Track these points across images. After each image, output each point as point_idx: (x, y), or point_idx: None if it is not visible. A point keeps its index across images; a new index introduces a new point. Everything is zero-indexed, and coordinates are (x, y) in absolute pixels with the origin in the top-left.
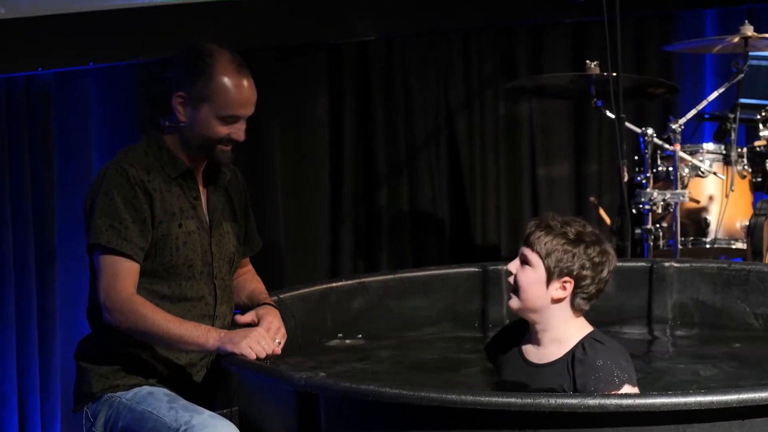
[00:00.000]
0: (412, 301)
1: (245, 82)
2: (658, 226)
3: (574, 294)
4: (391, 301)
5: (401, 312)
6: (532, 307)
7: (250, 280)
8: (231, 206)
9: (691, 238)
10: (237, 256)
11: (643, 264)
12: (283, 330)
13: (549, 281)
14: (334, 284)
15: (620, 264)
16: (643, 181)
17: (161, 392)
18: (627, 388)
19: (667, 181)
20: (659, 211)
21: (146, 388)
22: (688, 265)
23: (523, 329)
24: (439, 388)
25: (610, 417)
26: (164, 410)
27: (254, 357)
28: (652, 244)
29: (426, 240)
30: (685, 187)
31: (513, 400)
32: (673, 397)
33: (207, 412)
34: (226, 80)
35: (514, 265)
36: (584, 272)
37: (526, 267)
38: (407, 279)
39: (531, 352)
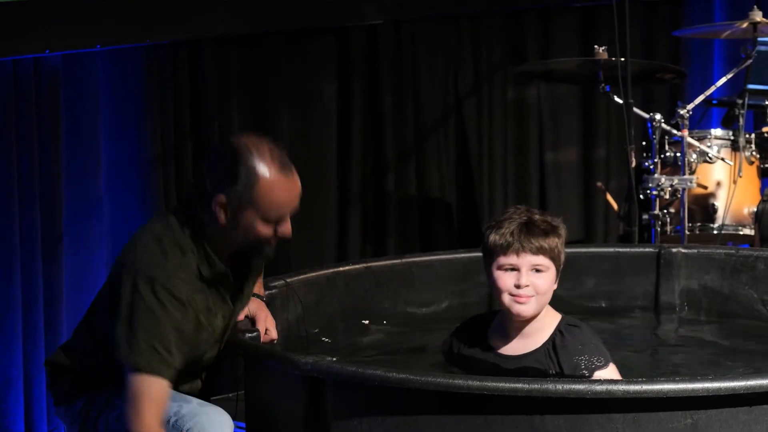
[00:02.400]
0: (420, 285)
1: (290, 180)
2: (665, 211)
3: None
4: (398, 286)
5: (409, 296)
6: (543, 306)
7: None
8: (253, 278)
9: (699, 224)
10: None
11: (651, 250)
12: (273, 321)
13: (556, 279)
14: (341, 269)
15: (628, 250)
16: (651, 167)
17: None
18: (611, 367)
19: (675, 167)
20: (667, 196)
21: None
22: (695, 251)
23: (486, 324)
24: (445, 373)
25: (618, 403)
26: None
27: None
28: (659, 229)
29: (434, 225)
30: (692, 172)
31: (520, 385)
32: (681, 383)
33: (195, 401)
34: (270, 182)
35: (524, 277)
36: (563, 259)
37: (541, 273)
38: (415, 263)
39: (503, 345)
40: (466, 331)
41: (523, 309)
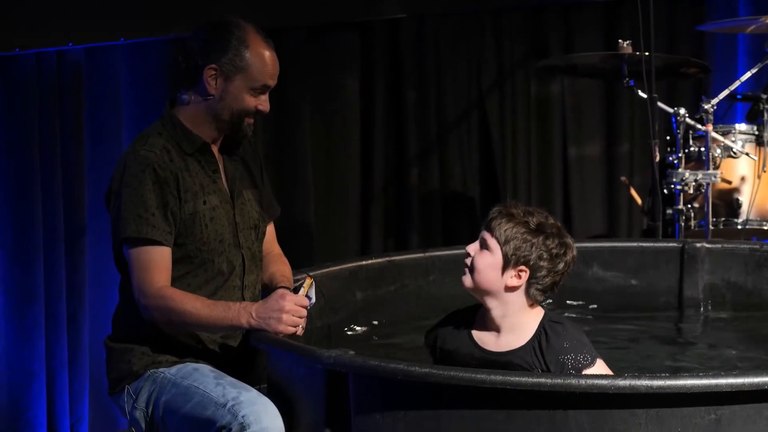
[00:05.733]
0: (442, 279)
1: (272, 53)
2: (689, 206)
3: (529, 284)
4: (421, 280)
5: (431, 291)
6: (485, 289)
7: (273, 262)
8: (249, 173)
9: (723, 218)
10: (261, 223)
11: (675, 245)
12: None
13: (505, 268)
14: (363, 262)
15: (651, 244)
16: (675, 162)
17: (206, 368)
18: (599, 363)
19: (699, 162)
20: (691, 191)
21: (191, 364)
22: (719, 246)
23: (470, 318)
24: (468, 367)
25: (640, 398)
26: (211, 386)
27: (290, 332)
28: (683, 224)
29: (456, 220)
30: (717, 167)
31: (543, 380)
32: (704, 378)
33: (254, 390)
34: (257, 52)
35: (473, 247)
36: (541, 263)
37: (485, 251)
38: (438, 258)
39: (487, 340)
40: (449, 325)
41: (462, 278)
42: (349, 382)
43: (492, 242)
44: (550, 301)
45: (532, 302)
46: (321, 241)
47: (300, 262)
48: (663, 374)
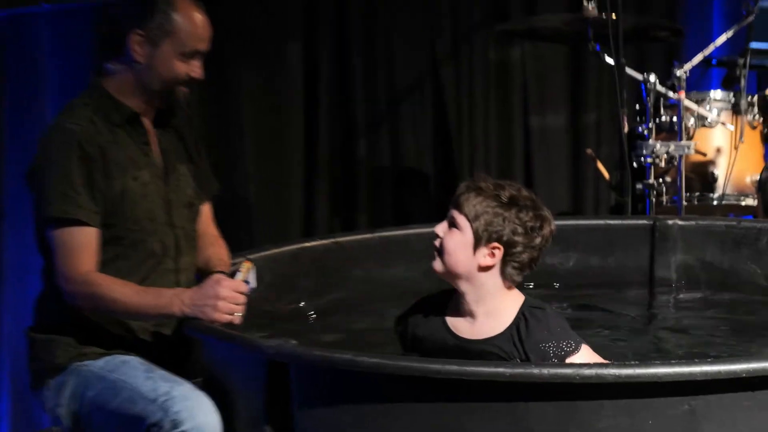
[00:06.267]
0: (394, 262)
1: (202, 16)
2: (660, 180)
3: (504, 262)
4: (370, 263)
5: (381, 274)
6: (457, 271)
7: (209, 244)
8: (184, 147)
9: (697, 193)
10: (197, 201)
11: (645, 222)
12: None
13: (476, 246)
14: (307, 244)
15: (620, 222)
16: (645, 132)
17: (136, 361)
18: (584, 349)
19: (671, 132)
20: (662, 164)
21: (119, 357)
22: (693, 222)
23: (443, 303)
24: (421, 357)
25: (608, 388)
26: (141, 379)
27: (227, 320)
28: (654, 200)
29: (409, 197)
30: (690, 138)
31: (502, 370)
32: (677, 366)
33: (188, 384)
34: (186, 14)
35: (441, 228)
36: (515, 238)
37: (454, 230)
38: (388, 239)
39: (462, 327)
40: (421, 311)
41: (432, 262)
42: (291, 374)
43: (461, 220)
44: (531, 285)
45: (509, 283)
46: (261, 222)
47: (238, 245)
48: (632, 362)
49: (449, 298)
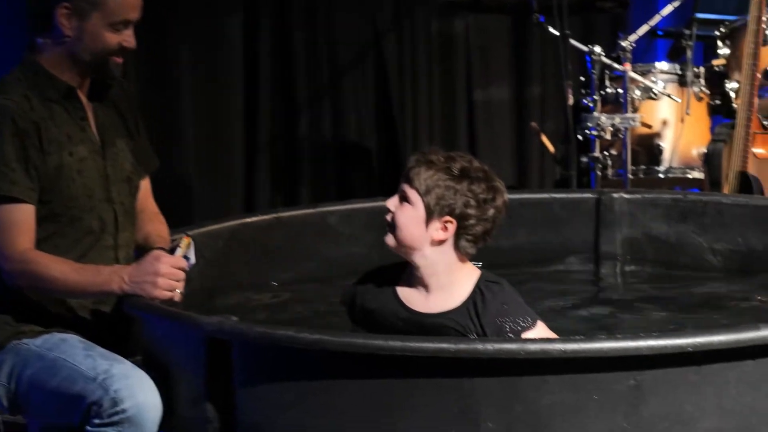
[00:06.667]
0: (337, 237)
1: None
2: (606, 153)
3: (457, 235)
4: (312, 239)
5: (325, 250)
6: (410, 246)
7: (148, 220)
8: (123, 122)
9: (643, 166)
10: (136, 176)
11: (590, 195)
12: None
13: (429, 220)
14: (248, 220)
15: (565, 195)
16: (590, 105)
17: (75, 339)
18: (540, 325)
19: (617, 105)
20: (608, 137)
21: (58, 335)
22: (639, 196)
23: (395, 275)
24: (364, 333)
25: (554, 363)
26: (80, 357)
27: (166, 297)
28: (600, 173)
29: (351, 171)
30: (636, 110)
31: (446, 345)
32: (622, 341)
33: (128, 362)
34: None
35: (392, 203)
36: (468, 211)
37: (405, 204)
38: (331, 213)
39: (415, 300)
40: (372, 282)
41: (385, 237)
42: (232, 351)
43: (412, 194)
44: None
45: (463, 256)
46: (201, 198)
47: (178, 221)
48: (577, 337)
49: (402, 270)
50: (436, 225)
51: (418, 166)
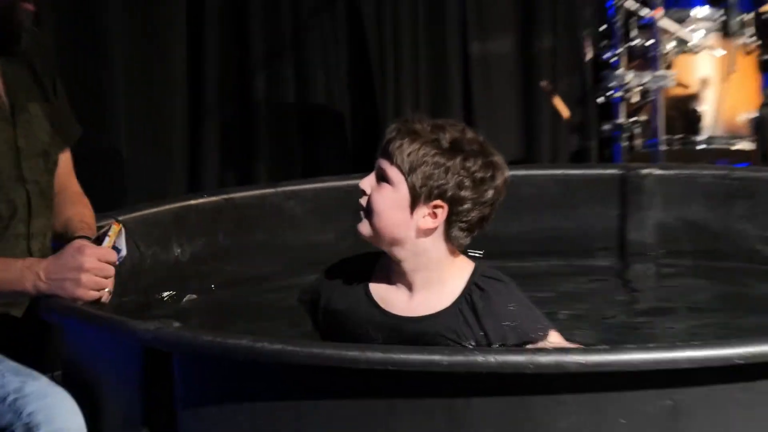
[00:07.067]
0: (301, 224)
1: None
2: (633, 120)
3: (448, 223)
4: (270, 225)
5: (286, 239)
6: (390, 236)
7: (69, 202)
8: (37, 82)
9: (679, 136)
10: (53, 148)
11: (614, 171)
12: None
13: (414, 205)
14: (192, 202)
15: (582, 172)
16: (613, 60)
17: None
18: (555, 335)
19: (646, 60)
20: (635, 100)
21: None
22: (674, 172)
23: (366, 269)
24: (336, 343)
25: (570, 380)
26: None
27: (92, 298)
28: (626, 144)
29: (319, 142)
30: (669, 67)
31: (437, 357)
32: (655, 351)
33: (45, 378)
34: None
35: (368, 183)
36: (462, 193)
37: (384, 185)
38: (294, 194)
39: (394, 301)
40: (338, 277)
41: (358, 225)
42: (174, 364)
43: (393, 172)
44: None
45: (455, 248)
46: (135, 174)
47: (106, 203)
48: (599, 346)
49: (374, 261)
50: (422, 211)
51: (400, 138)
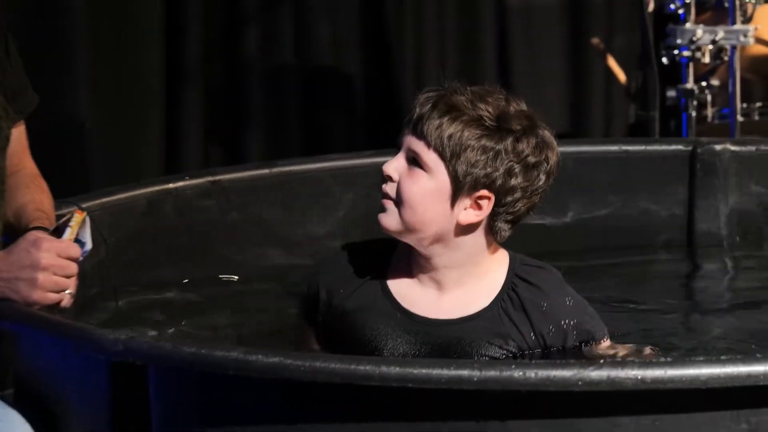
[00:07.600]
0: (302, 210)
1: None
2: (704, 85)
3: (493, 214)
4: (265, 212)
5: (283, 229)
6: (425, 233)
7: (24, 186)
8: None
9: (759, 104)
10: (5, 122)
11: (680, 147)
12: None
13: (456, 197)
14: (170, 185)
15: (643, 147)
16: (680, 12)
17: None
18: (608, 342)
19: (719, 12)
20: (706, 60)
21: None
22: (753, 148)
23: (382, 259)
24: (344, 355)
25: (627, 398)
26: None
27: (51, 301)
28: (694, 114)
29: (324, 112)
30: (748, 20)
31: (467, 372)
32: (731, 364)
33: None
34: None
35: (396, 166)
36: (512, 181)
37: (417, 172)
38: (293, 176)
39: (419, 301)
40: (347, 270)
41: (381, 216)
42: (148, 380)
43: (430, 157)
44: None
45: (496, 243)
46: (101, 152)
47: (69, 188)
48: (663, 358)
49: (389, 250)
50: (464, 202)
51: (439, 115)
